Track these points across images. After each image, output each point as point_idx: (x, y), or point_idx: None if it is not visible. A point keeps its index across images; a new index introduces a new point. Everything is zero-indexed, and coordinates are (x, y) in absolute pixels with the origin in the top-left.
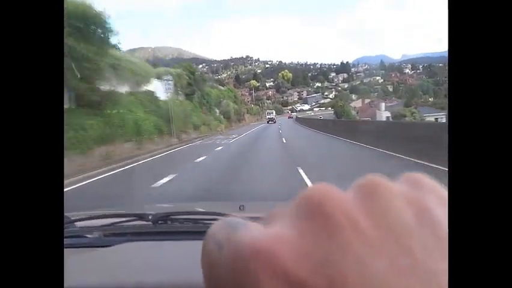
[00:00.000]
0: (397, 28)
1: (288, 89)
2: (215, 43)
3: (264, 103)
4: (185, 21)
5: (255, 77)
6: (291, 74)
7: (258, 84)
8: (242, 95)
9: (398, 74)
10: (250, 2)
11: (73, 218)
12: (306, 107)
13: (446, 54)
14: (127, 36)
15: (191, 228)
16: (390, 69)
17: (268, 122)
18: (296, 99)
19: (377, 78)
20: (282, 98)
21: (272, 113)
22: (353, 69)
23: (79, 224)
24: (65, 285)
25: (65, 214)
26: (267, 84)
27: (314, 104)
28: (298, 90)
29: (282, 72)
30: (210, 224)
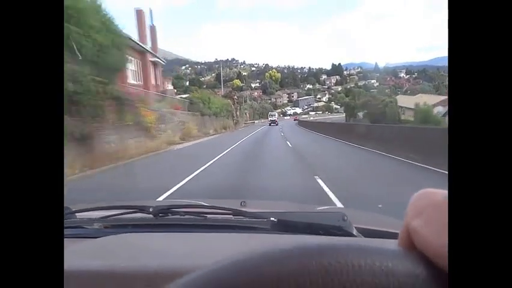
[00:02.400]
0: (380, 37)
1: (277, 90)
2: (200, 45)
3: (244, 100)
4: (169, 22)
5: (239, 76)
6: (279, 74)
7: (242, 84)
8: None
9: (394, 78)
10: (237, 5)
11: (73, 209)
12: (298, 110)
13: (429, 64)
14: None
15: (191, 221)
16: (384, 72)
17: (270, 125)
18: (286, 101)
19: (372, 81)
20: (270, 99)
21: (274, 115)
22: (345, 72)
23: (79, 215)
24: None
25: (66, 205)
26: (253, 85)
27: (306, 107)
28: (288, 91)
29: (270, 71)
30: (211, 218)
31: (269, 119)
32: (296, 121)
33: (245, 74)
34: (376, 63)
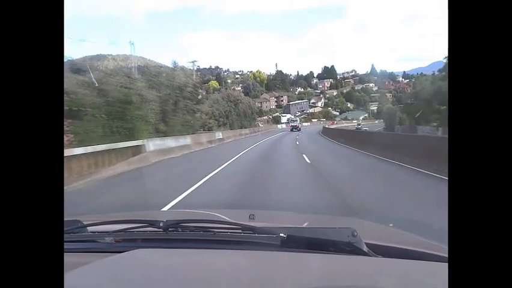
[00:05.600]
0: (362, 47)
1: (262, 93)
2: (183, 53)
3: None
4: (151, 30)
5: (218, 78)
6: (266, 75)
7: (219, 87)
8: None
9: (392, 82)
10: (221, 13)
11: (85, 223)
12: (293, 117)
13: (410, 73)
14: (86, 43)
15: (201, 237)
16: (382, 76)
17: (292, 130)
18: (274, 106)
19: (370, 85)
20: (254, 104)
21: (296, 120)
22: (339, 76)
23: (90, 228)
24: None
25: (78, 219)
26: (236, 88)
27: (299, 113)
28: (277, 95)
29: (254, 72)
30: (219, 232)
31: (290, 124)
32: (332, 125)
33: (229, 81)
34: (372, 65)
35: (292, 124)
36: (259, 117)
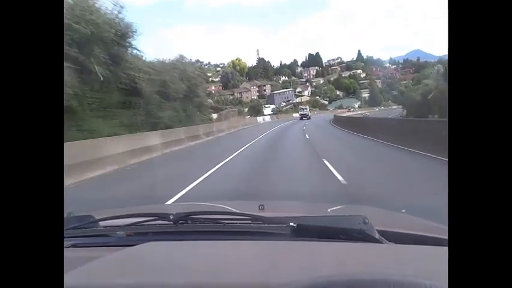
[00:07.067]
0: (346, 35)
1: (242, 83)
2: (161, 47)
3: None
4: (130, 23)
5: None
6: (246, 64)
7: None
8: None
9: (380, 68)
10: (204, 7)
11: (97, 218)
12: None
13: (396, 59)
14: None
15: (211, 228)
16: (369, 62)
17: (301, 119)
18: (256, 97)
19: (358, 71)
20: (233, 94)
21: (306, 108)
22: (325, 64)
23: (103, 223)
24: (87, 283)
25: (89, 214)
26: (214, 80)
27: (284, 103)
28: (259, 84)
29: (234, 60)
30: (229, 223)
31: (300, 113)
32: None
33: (209, 74)
34: (359, 51)
35: (302, 112)
36: (242, 107)
